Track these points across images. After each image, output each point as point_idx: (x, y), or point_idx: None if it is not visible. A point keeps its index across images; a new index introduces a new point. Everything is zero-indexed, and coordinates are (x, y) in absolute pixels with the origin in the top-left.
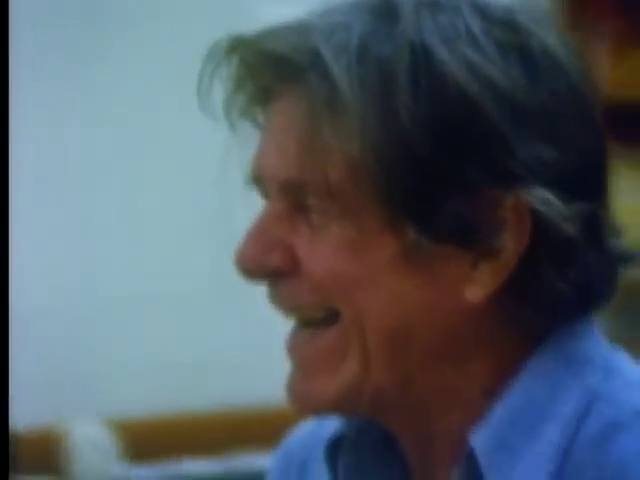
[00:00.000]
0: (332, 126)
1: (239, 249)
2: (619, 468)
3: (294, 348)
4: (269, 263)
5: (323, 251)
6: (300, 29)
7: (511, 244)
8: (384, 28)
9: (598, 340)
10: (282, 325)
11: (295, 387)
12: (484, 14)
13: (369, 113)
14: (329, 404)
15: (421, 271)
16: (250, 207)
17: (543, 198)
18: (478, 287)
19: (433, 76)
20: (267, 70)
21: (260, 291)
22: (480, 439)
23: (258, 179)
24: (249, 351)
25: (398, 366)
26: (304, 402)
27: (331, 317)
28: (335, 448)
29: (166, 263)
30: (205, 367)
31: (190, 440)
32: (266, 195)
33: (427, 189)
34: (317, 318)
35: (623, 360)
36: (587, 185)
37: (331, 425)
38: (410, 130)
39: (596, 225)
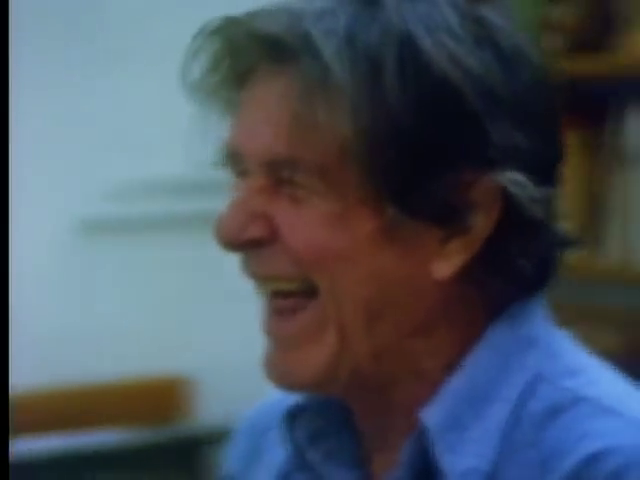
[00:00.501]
0: (325, 105)
1: (219, 221)
2: (556, 449)
3: (273, 325)
4: (248, 233)
5: (305, 223)
6: (288, 12)
7: (481, 223)
8: (369, 15)
9: (544, 322)
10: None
11: (275, 364)
12: (457, 8)
13: (360, 95)
14: (309, 380)
15: (396, 246)
16: None
17: (515, 180)
18: (447, 262)
19: (418, 63)
20: (256, 49)
21: None
22: (432, 415)
23: (235, 156)
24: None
25: (373, 339)
26: (284, 379)
27: (308, 290)
28: (294, 417)
29: None
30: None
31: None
32: (241, 172)
33: (409, 169)
34: (292, 291)
35: (565, 344)
36: (551, 171)
37: (291, 398)
38: (397, 113)
39: (553, 209)
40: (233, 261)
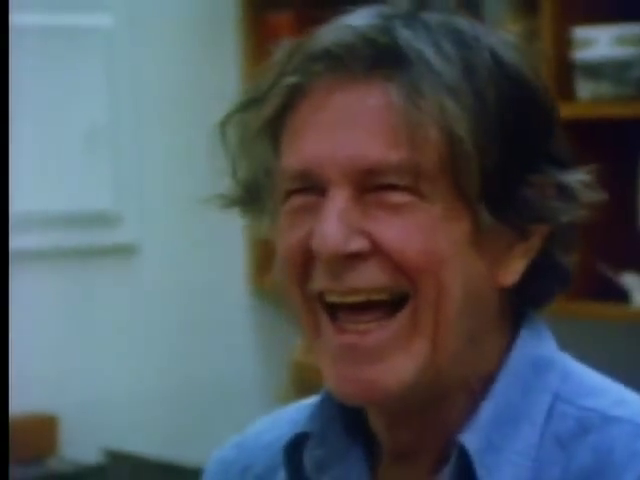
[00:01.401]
0: (430, 112)
1: (322, 232)
2: (600, 469)
3: (354, 339)
4: (352, 246)
5: (408, 231)
6: (380, 22)
7: (540, 227)
8: (454, 34)
9: (553, 342)
10: None
11: (357, 379)
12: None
13: (466, 101)
14: (397, 390)
15: (482, 249)
16: None
17: (575, 181)
18: (512, 269)
19: (509, 76)
20: (368, 54)
21: None
22: (471, 439)
23: (309, 172)
24: None
25: (457, 341)
26: (368, 392)
27: (396, 300)
28: (294, 448)
29: None
30: None
31: None
32: (317, 186)
33: (505, 172)
34: (383, 300)
35: (575, 364)
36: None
37: (271, 433)
38: (495, 118)
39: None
40: (98, 296)
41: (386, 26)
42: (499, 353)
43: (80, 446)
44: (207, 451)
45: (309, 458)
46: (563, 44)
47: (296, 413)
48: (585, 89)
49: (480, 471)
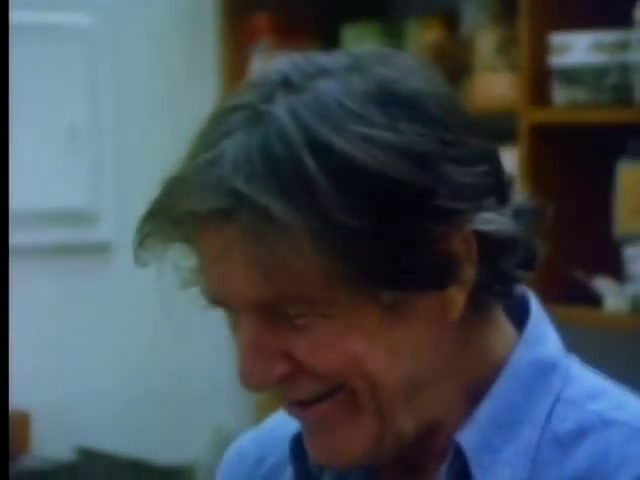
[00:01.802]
0: (282, 243)
1: (242, 371)
2: (593, 471)
3: (300, 413)
4: (275, 373)
5: (318, 348)
6: (207, 170)
7: (467, 266)
8: (275, 138)
9: (558, 345)
10: None
11: (318, 446)
12: (345, 82)
13: (308, 220)
14: (358, 458)
15: (404, 318)
16: None
17: (481, 218)
18: (451, 308)
19: (341, 166)
20: (196, 221)
21: None
22: (467, 437)
23: (221, 302)
24: None
25: (416, 409)
26: (332, 459)
27: (335, 389)
28: (301, 442)
29: None
30: None
31: None
32: (232, 311)
33: (386, 256)
34: (322, 394)
35: (580, 367)
36: (502, 185)
37: (285, 428)
38: (345, 220)
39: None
40: (74, 294)
41: (218, 175)
42: (485, 363)
43: (53, 444)
44: (180, 450)
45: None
46: (540, 50)
47: None
48: (562, 95)
49: (476, 471)
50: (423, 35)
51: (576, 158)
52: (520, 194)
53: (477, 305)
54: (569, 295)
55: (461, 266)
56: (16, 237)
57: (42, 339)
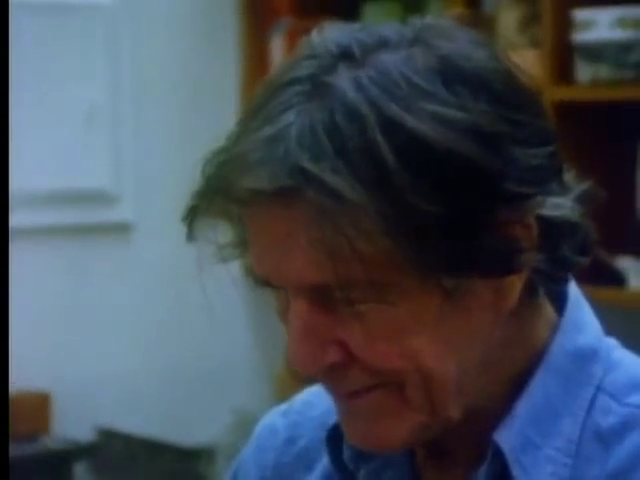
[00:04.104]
0: (350, 225)
1: (293, 353)
2: (625, 467)
3: (353, 404)
4: (327, 360)
5: (377, 338)
6: (270, 146)
7: (529, 252)
8: (338, 114)
9: (598, 331)
10: None
11: (361, 432)
12: (411, 59)
13: (378, 201)
14: (400, 445)
15: (460, 308)
16: None
17: (548, 203)
18: (507, 296)
19: (413, 145)
20: (257, 200)
21: None
22: (506, 437)
23: (273, 283)
24: None
25: (464, 397)
26: (375, 445)
27: (386, 381)
28: (336, 437)
29: None
30: None
31: None
32: (283, 293)
33: (451, 241)
34: (371, 386)
35: (622, 353)
36: (562, 167)
37: (319, 407)
38: (416, 202)
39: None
40: (94, 275)
41: (285, 150)
42: (540, 341)
43: (73, 424)
44: (199, 430)
45: (347, 447)
46: (563, 27)
47: None
48: (585, 72)
49: (516, 471)
50: (445, 12)
51: (599, 136)
52: (569, 175)
53: (531, 291)
54: (592, 275)
55: (524, 252)
56: (36, 218)
57: (61, 319)
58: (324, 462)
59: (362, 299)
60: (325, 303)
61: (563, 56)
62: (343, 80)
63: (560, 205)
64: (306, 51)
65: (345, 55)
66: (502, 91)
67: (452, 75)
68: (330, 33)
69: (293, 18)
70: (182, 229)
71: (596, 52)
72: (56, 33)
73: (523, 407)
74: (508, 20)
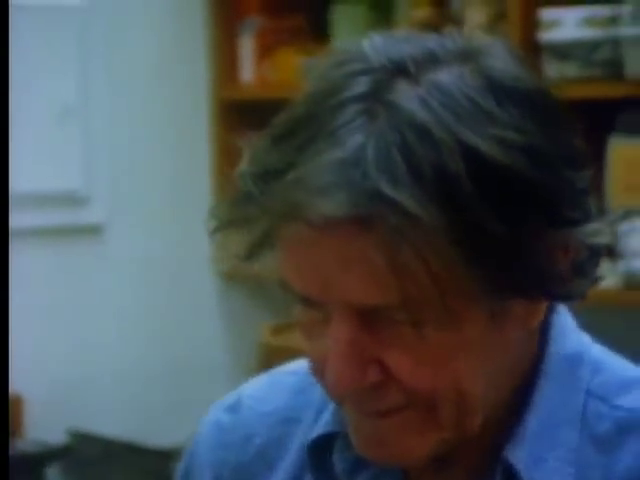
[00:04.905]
0: (427, 247)
1: (332, 373)
2: (630, 473)
3: (382, 423)
4: (367, 380)
5: (420, 364)
6: (345, 170)
7: (566, 277)
8: (410, 135)
9: (579, 334)
10: None
11: (386, 450)
12: (463, 78)
13: (451, 225)
14: (423, 459)
15: (498, 329)
16: None
17: (589, 230)
18: (538, 314)
19: (485, 169)
20: (331, 223)
21: None
22: (518, 455)
23: (315, 299)
24: None
25: (482, 413)
26: (394, 459)
27: (415, 402)
28: (323, 448)
29: None
30: None
31: None
32: (317, 309)
33: (510, 265)
34: (404, 405)
35: (605, 354)
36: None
37: (271, 402)
38: (485, 224)
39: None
40: (66, 276)
41: (363, 174)
42: (535, 346)
43: (46, 427)
44: (175, 432)
45: (340, 460)
46: (530, 26)
47: (296, 379)
48: (552, 70)
49: None
50: (412, 12)
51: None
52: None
53: (551, 306)
54: None
55: (563, 277)
56: (10, 219)
57: (34, 321)
58: (288, 462)
59: (427, 321)
60: (372, 323)
61: (531, 55)
62: (407, 99)
63: (599, 231)
64: (356, 65)
65: (400, 71)
66: (546, 111)
67: (503, 95)
68: (375, 44)
69: (262, 17)
70: (153, 230)
71: (563, 51)
72: (28, 33)
73: (531, 423)
74: (475, 20)
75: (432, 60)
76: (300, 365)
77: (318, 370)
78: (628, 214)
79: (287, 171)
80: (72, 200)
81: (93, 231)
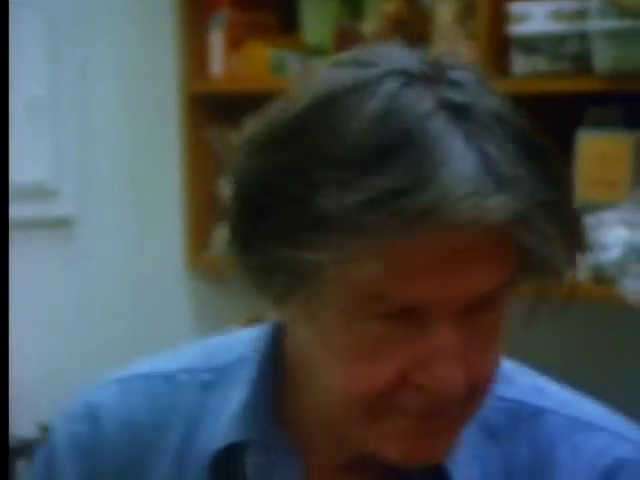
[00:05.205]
0: (543, 224)
1: (449, 375)
2: (528, 463)
3: (432, 422)
4: (465, 382)
5: (493, 365)
6: (484, 177)
7: None
8: (499, 130)
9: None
10: None
11: (425, 450)
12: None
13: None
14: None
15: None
16: None
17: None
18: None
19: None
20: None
21: None
22: (459, 469)
23: (418, 307)
24: None
25: None
26: (430, 459)
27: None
28: (228, 456)
29: None
30: None
31: None
32: (411, 314)
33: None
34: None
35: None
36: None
37: (126, 408)
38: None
39: None
40: (34, 269)
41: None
42: None
43: (17, 421)
44: None
45: (251, 464)
46: (499, 19)
47: (145, 384)
48: (521, 64)
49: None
50: (382, 5)
51: (535, 128)
52: None
53: None
54: None
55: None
56: None
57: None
58: (162, 466)
59: (497, 302)
60: (461, 317)
61: (499, 49)
62: (481, 105)
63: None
64: (402, 79)
65: (417, 76)
66: (536, 147)
67: (511, 132)
68: (393, 63)
69: (232, 11)
70: (123, 223)
71: (532, 44)
72: None
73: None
74: (444, 13)
75: (454, 85)
76: (142, 368)
77: (374, 392)
78: (596, 208)
79: (415, 189)
80: (40, 193)
81: (62, 224)
